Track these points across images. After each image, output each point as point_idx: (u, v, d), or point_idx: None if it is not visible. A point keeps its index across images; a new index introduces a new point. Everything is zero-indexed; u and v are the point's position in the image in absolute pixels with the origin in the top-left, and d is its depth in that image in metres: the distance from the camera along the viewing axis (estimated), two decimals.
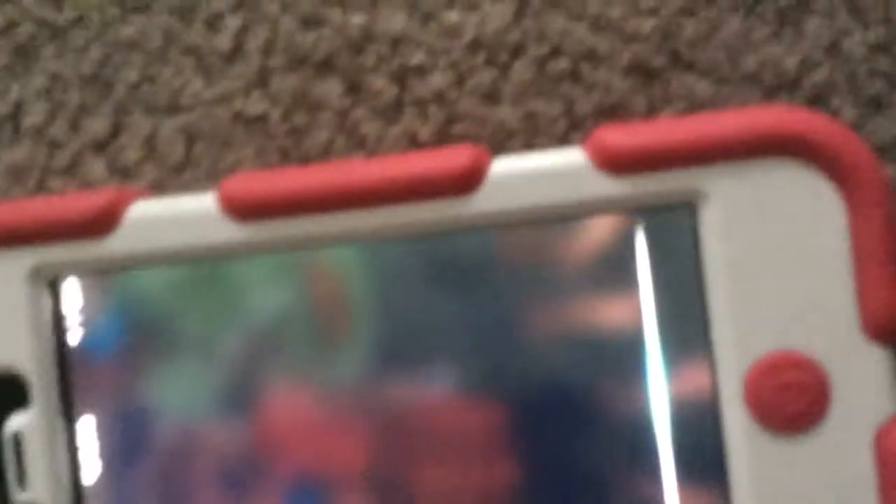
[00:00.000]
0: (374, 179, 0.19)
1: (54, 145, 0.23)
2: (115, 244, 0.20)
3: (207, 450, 0.20)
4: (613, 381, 0.19)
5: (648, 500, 0.19)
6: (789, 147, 0.18)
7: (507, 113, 0.22)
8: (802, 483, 0.18)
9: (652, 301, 0.19)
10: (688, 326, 0.19)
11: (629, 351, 0.19)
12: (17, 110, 0.23)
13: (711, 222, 0.19)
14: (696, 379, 0.19)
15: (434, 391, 0.20)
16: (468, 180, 0.19)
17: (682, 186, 0.19)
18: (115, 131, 0.23)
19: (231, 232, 0.20)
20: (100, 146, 0.23)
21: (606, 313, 0.19)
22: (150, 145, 0.23)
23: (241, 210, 0.20)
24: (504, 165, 0.19)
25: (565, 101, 0.21)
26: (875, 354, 0.18)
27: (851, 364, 0.18)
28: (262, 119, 0.22)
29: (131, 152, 0.23)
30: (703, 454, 0.19)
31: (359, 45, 0.22)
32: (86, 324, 0.21)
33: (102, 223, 0.20)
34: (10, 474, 0.20)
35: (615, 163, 0.19)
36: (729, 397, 0.19)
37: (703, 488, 0.19)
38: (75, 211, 0.20)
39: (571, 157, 0.19)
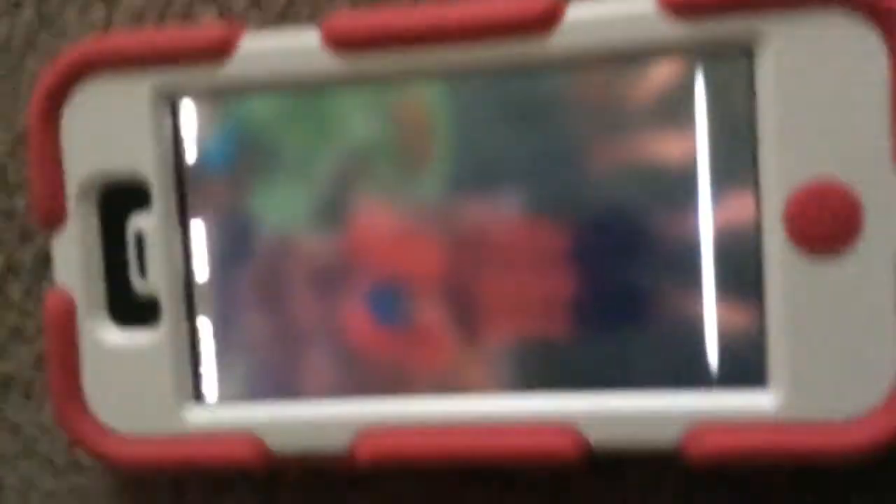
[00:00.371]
0: (460, 17, 0.22)
1: None
2: (230, 70, 0.23)
3: (301, 256, 0.23)
4: (666, 207, 0.22)
5: (691, 314, 0.22)
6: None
7: None
8: (831, 301, 0.21)
9: (706, 136, 0.21)
10: (737, 158, 0.21)
11: (683, 180, 0.22)
12: None
13: (766, 63, 0.21)
14: (741, 204, 0.21)
15: (504, 212, 0.22)
16: (546, 21, 0.21)
17: (742, 31, 0.21)
18: None
19: (331, 62, 0.23)
20: None
21: (664, 148, 0.22)
22: None
23: (341, 42, 0.22)
24: (579, 9, 0.22)
25: None
26: None
27: (881, 192, 0.20)
28: None
29: (240, 0, 0.25)
30: (744, 273, 0.21)
31: None
32: (200, 142, 0.24)
33: (219, 50, 0.23)
34: (133, 266, 0.24)
35: (681, 7, 0.21)
36: (770, 220, 0.21)
37: (741, 304, 0.21)
38: (196, 39, 0.23)
39: (640, 3, 0.21)
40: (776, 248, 0.21)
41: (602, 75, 0.22)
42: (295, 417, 0.23)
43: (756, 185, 0.21)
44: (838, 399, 0.21)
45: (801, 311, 0.21)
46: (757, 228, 0.21)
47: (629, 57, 0.22)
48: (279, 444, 0.23)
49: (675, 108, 0.22)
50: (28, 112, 0.24)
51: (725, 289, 0.21)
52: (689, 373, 0.22)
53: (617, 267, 0.22)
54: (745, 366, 0.21)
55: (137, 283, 0.24)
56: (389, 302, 0.23)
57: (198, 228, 0.24)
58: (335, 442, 0.23)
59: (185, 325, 0.24)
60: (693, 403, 0.21)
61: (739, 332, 0.21)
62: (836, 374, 0.21)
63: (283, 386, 0.24)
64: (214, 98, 0.24)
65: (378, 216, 0.23)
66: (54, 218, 0.24)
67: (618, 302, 0.22)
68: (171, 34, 0.23)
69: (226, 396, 0.24)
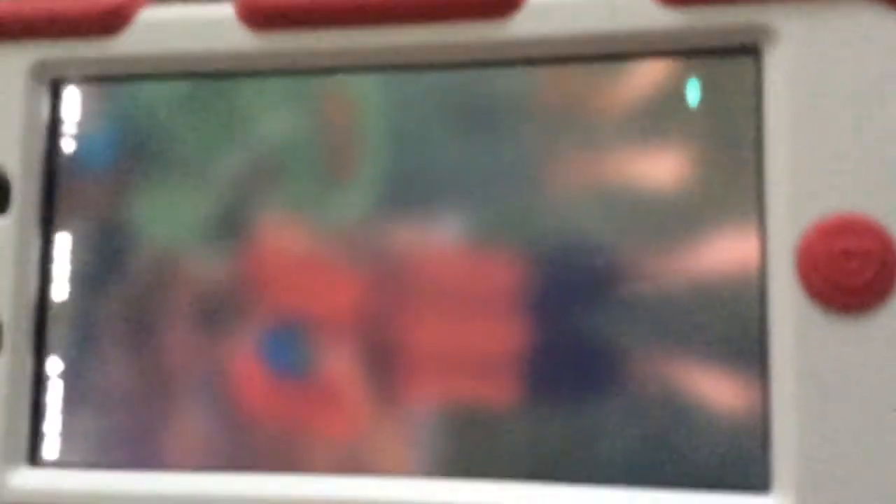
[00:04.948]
0: None
1: None
2: (122, 46, 0.19)
3: (188, 280, 0.19)
4: (645, 243, 0.17)
5: (671, 386, 0.16)
6: None
7: None
8: (856, 371, 0.15)
9: (703, 156, 0.17)
10: (739, 184, 0.17)
11: (668, 209, 0.17)
12: None
13: (777, 66, 0.16)
14: (742, 244, 0.16)
15: (443, 239, 0.18)
16: (505, 1, 0.17)
17: (748, 23, 0.16)
18: None
19: (246, 40, 0.18)
20: None
21: (646, 167, 0.17)
22: None
23: (259, 17, 0.18)
24: None
25: None
26: None
27: None
28: None
29: None
30: (743, 335, 0.16)
31: None
32: (80, 132, 0.19)
33: (110, 23, 0.19)
34: None
35: None
36: (778, 266, 0.16)
37: (738, 375, 0.16)
38: (84, 9, 0.19)
39: None
40: (786, 301, 0.16)
41: (572, 73, 0.17)
42: (152, 494, 0.18)
43: (761, 219, 0.16)
44: None
45: (817, 389, 0.16)
46: (762, 276, 0.16)
47: (608, 51, 0.17)
48: None
49: (663, 119, 0.17)
50: None
51: (718, 354, 0.16)
52: (666, 466, 0.16)
53: (578, 317, 0.17)
54: (742, 462, 0.16)
55: None
56: (288, 346, 0.18)
57: (64, 240, 0.19)
58: None
59: (29, 363, 0.19)
60: None
61: (735, 415, 0.16)
62: (862, 480, 0.15)
63: (144, 452, 0.18)
64: (102, 80, 0.19)
65: (284, 237, 0.18)
66: None
67: (577, 364, 0.17)
68: (57, 3, 0.19)
69: (68, 460, 0.18)
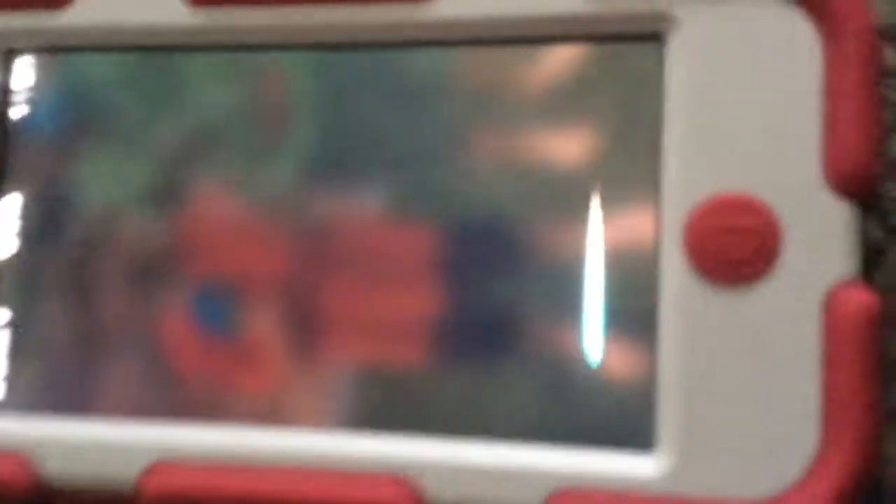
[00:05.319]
0: None
1: None
2: (70, 18, 0.20)
3: (123, 242, 0.20)
4: (551, 216, 0.18)
5: (569, 346, 0.17)
6: None
7: None
8: (737, 341, 0.16)
9: (606, 136, 0.18)
10: (638, 163, 0.18)
11: (573, 185, 0.18)
12: None
13: (678, 52, 0.17)
14: (639, 219, 0.17)
15: (363, 208, 0.19)
16: None
17: (652, 10, 0.17)
18: None
19: (186, 16, 0.19)
20: None
21: (554, 145, 0.18)
22: None
23: None
24: None
25: None
26: (835, 207, 0.16)
27: (807, 214, 0.16)
28: None
29: None
30: (635, 304, 0.17)
31: None
32: (29, 99, 0.20)
33: None
34: None
35: None
36: (668, 240, 0.17)
37: (629, 343, 0.17)
38: None
39: None
40: (674, 274, 0.17)
41: (488, 55, 0.18)
42: (78, 439, 0.19)
43: (657, 197, 0.17)
44: (742, 473, 0.16)
45: (701, 356, 0.17)
46: (654, 249, 0.17)
47: (522, 35, 0.18)
48: (54, 469, 0.19)
49: (571, 99, 0.18)
50: None
51: (612, 322, 0.17)
52: (560, 425, 0.17)
53: (486, 285, 0.18)
54: (629, 422, 0.17)
55: None
56: (217, 305, 0.19)
57: (10, 202, 0.20)
58: (120, 474, 0.18)
59: None
60: (559, 463, 0.17)
61: (624, 379, 0.17)
62: (742, 441, 0.16)
63: (74, 400, 0.19)
64: (50, 50, 0.20)
65: (216, 204, 0.19)
66: None
67: (482, 328, 0.18)
68: None
69: (10, 406, 0.20)
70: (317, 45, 0.19)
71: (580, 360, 0.17)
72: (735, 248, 0.16)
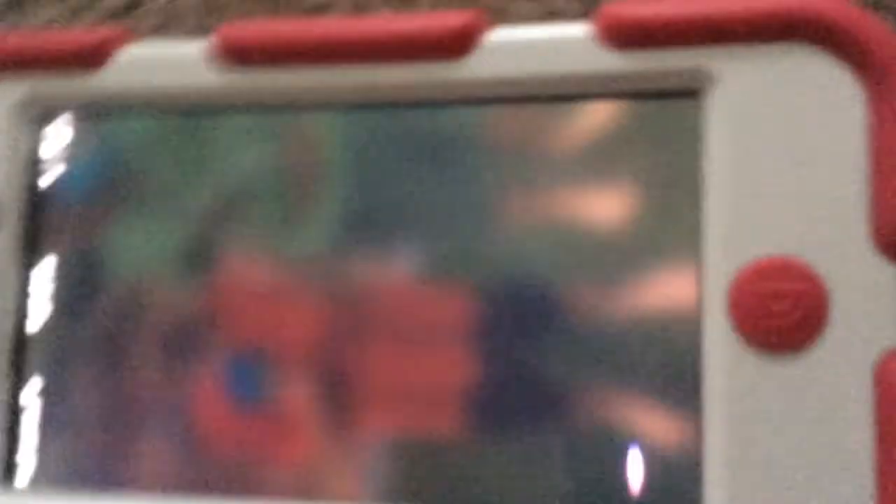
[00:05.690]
0: (363, 33, 0.18)
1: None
2: (102, 80, 0.20)
3: (156, 308, 0.19)
4: (589, 280, 0.17)
5: (611, 416, 0.17)
6: (807, 31, 0.16)
7: (526, 7, 0.20)
8: (785, 411, 0.16)
9: (643, 196, 0.17)
10: (678, 225, 0.17)
11: (611, 250, 0.17)
12: None
13: (717, 110, 0.17)
14: (679, 284, 0.17)
15: (398, 273, 0.18)
16: (459, 42, 0.18)
17: (689, 67, 0.17)
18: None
19: (218, 77, 0.19)
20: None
21: (590, 205, 0.18)
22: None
23: (233, 54, 0.19)
24: (501, 33, 0.18)
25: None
26: (885, 271, 0.16)
27: (856, 279, 0.16)
28: None
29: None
30: (679, 372, 0.17)
31: None
32: (60, 163, 0.20)
33: (91, 58, 0.20)
34: None
35: (618, 35, 0.17)
36: (712, 305, 0.16)
37: (673, 408, 0.17)
38: (67, 44, 0.20)
39: (574, 29, 0.18)
40: (718, 340, 0.16)
41: (522, 113, 0.18)
42: None
43: (698, 259, 0.17)
44: None
45: (748, 427, 0.16)
46: (697, 314, 0.17)
47: (555, 93, 0.18)
48: None
49: (607, 157, 0.18)
50: None
51: (655, 390, 0.17)
52: (602, 500, 0.17)
53: (524, 351, 0.18)
54: (674, 496, 0.16)
55: None
56: (250, 373, 0.19)
57: (42, 270, 0.20)
58: None
59: (5, 387, 0.20)
60: None
61: (669, 451, 0.17)
62: None
63: (105, 475, 0.19)
64: (81, 113, 0.20)
65: (248, 269, 0.19)
66: None
67: (520, 396, 0.17)
68: (41, 37, 0.20)
69: (41, 482, 0.19)
70: (349, 105, 0.19)
71: (622, 430, 0.17)
72: (782, 314, 0.16)
